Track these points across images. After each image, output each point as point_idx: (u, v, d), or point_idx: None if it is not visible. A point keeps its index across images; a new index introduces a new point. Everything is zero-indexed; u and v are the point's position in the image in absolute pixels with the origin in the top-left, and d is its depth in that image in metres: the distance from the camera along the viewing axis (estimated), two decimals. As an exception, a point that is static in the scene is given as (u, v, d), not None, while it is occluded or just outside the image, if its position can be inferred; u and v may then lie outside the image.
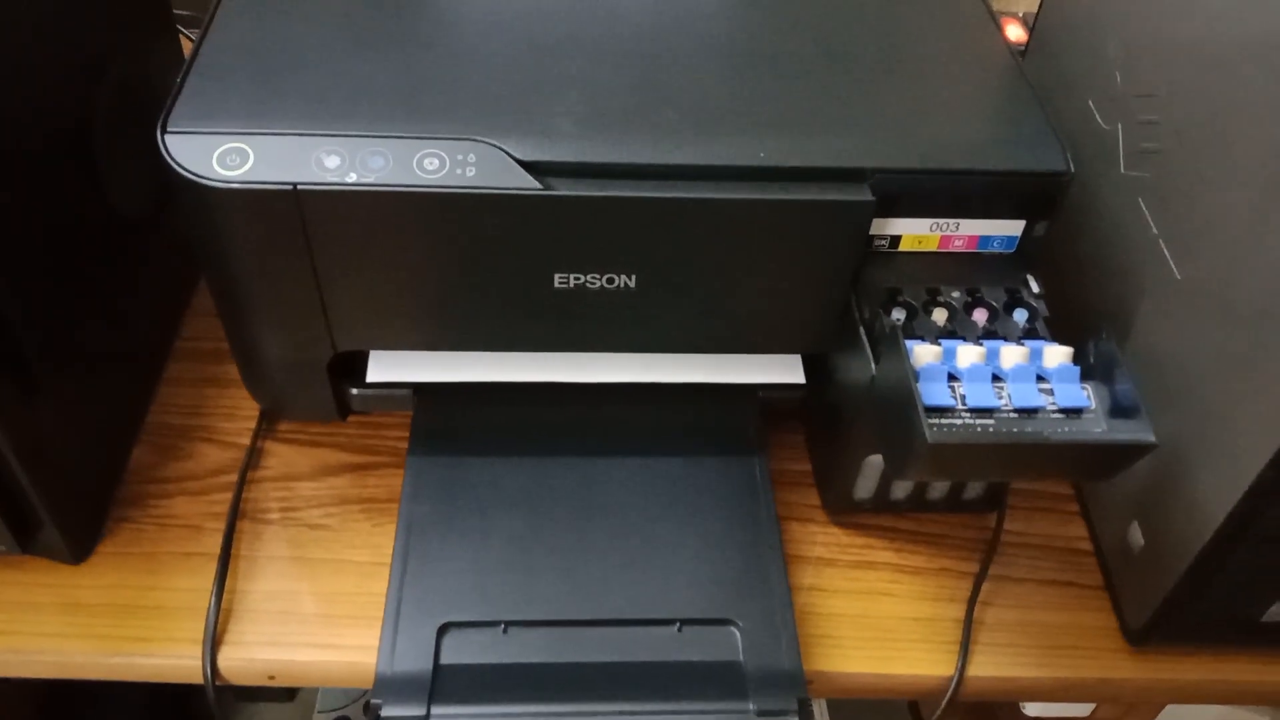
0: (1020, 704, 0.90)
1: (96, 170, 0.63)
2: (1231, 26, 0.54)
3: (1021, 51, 0.78)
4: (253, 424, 0.70)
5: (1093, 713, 0.83)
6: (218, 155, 0.53)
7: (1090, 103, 0.66)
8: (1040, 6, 0.76)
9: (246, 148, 0.54)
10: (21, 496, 0.58)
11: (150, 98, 0.67)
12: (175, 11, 0.76)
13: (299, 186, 0.53)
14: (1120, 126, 0.63)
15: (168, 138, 0.54)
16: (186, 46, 0.78)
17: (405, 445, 0.68)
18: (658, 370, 0.66)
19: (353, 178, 0.53)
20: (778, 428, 0.71)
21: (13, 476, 0.56)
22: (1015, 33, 0.90)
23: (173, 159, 0.53)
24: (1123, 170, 0.63)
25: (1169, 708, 0.80)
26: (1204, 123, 0.56)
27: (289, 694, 1.36)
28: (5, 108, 0.53)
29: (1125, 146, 0.63)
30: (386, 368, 0.66)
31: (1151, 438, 0.51)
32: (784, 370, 0.68)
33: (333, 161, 0.53)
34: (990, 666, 0.62)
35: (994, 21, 0.66)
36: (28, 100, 0.55)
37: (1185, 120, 0.57)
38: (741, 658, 0.59)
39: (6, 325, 0.54)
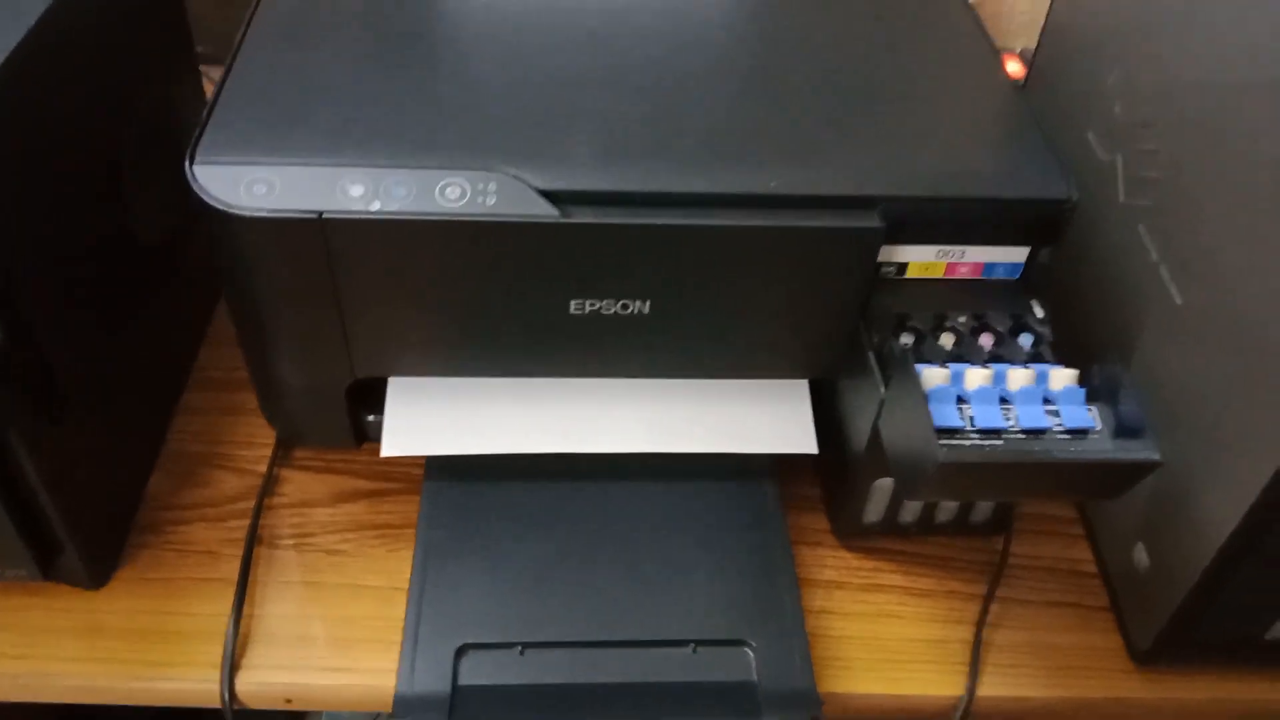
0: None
1: (122, 204, 0.64)
2: (1227, 57, 0.55)
3: (1020, 86, 0.80)
4: (269, 451, 0.71)
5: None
6: (245, 185, 0.55)
7: (1089, 135, 0.68)
8: (1039, 43, 0.78)
9: (273, 177, 0.55)
10: (44, 522, 0.58)
11: (174, 133, 0.69)
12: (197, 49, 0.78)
13: (324, 215, 0.54)
14: (1120, 156, 0.65)
15: (196, 168, 0.55)
16: (206, 84, 0.80)
17: (419, 472, 0.69)
18: (670, 439, 0.66)
19: (376, 206, 0.55)
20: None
21: (36, 502, 0.57)
22: (1014, 68, 0.92)
23: (201, 189, 0.55)
24: (1122, 199, 0.64)
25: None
26: (1202, 151, 0.57)
27: (293, 724, 1.35)
28: (40, 147, 0.55)
29: (1125, 175, 0.64)
30: (401, 440, 0.65)
31: (1157, 456, 0.52)
32: (795, 438, 0.67)
33: (356, 190, 0.55)
34: (999, 687, 0.63)
35: (995, 55, 0.68)
36: (60, 139, 0.57)
37: (1184, 149, 0.59)
38: (756, 678, 0.59)
39: (38, 355, 0.55)
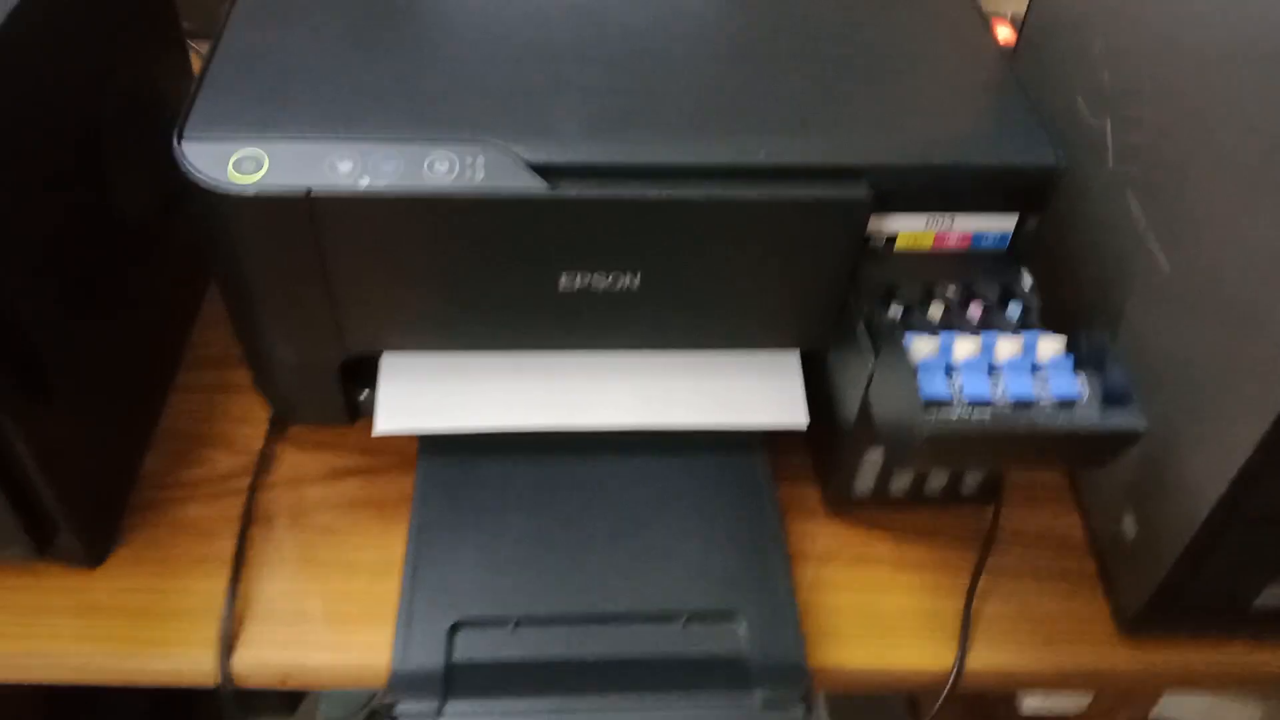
0: (1017, 699, 0.91)
1: (107, 181, 0.64)
2: (1212, 24, 0.56)
3: (1011, 51, 0.80)
4: (263, 429, 0.71)
5: (1089, 705, 0.84)
6: (233, 162, 0.55)
7: (1079, 100, 0.68)
8: (1029, 7, 0.78)
9: (261, 154, 0.55)
10: (38, 503, 0.59)
11: (159, 109, 0.69)
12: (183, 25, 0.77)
13: (313, 191, 0.54)
14: (1108, 123, 0.65)
15: (184, 145, 0.55)
16: (193, 60, 0.79)
17: (413, 448, 0.69)
18: (662, 413, 0.66)
19: (365, 182, 0.55)
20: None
21: (30, 483, 0.57)
22: (1004, 33, 0.92)
23: (189, 166, 0.55)
24: (1111, 165, 0.65)
25: (1164, 700, 0.81)
26: (1187, 118, 0.57)
27: (290, 707, 1.36)
28: (19, 122, 0.54)
29: (1113, 142, 0.64)
30: (394, 417, 0.66)
31: (1143, 425, 0.52)
32: (787, 411, 0.67)
33: (345, 166, 0.55)
34: (989, 657, 0.63)
35: (983, 21, 0.68)
36: (41, 114, 0.57)
37: (1170, 115, 0.59)
38: (746, 650, 0.60)
39: (23, 336, 0.55)
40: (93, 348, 0.63)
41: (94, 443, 0.63)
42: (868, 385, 0.59)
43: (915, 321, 0.59)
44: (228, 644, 0.61)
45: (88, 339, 0.62)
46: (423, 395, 0.66)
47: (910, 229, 0.61)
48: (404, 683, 0.58)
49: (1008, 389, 0.54)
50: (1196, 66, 0.57)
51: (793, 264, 0.60)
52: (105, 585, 0.63)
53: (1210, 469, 0.55)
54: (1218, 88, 0.55)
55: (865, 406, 0.59)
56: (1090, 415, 0.54)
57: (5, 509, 0.57)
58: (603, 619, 0.61)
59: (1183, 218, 0.58)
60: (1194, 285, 0.57)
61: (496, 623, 0.61)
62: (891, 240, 0.61)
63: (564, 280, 0.59)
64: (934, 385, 0.54)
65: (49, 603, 0.62)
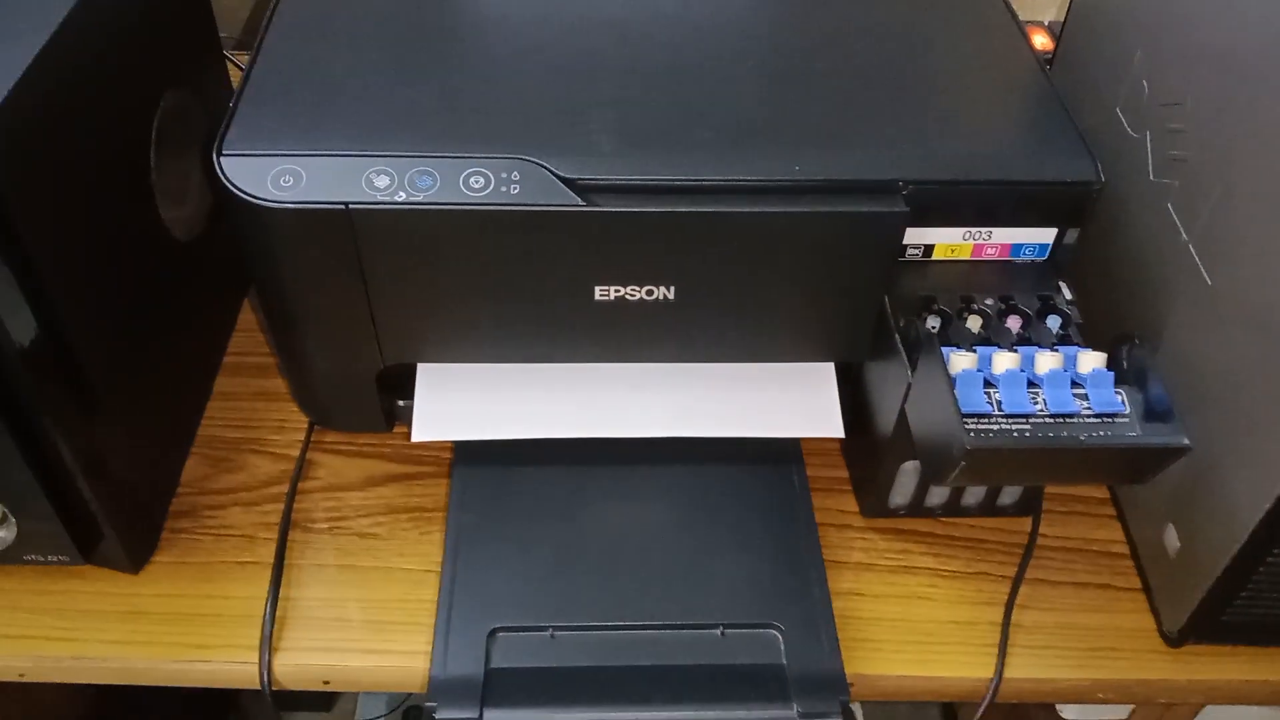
0: (1057, 708, 0.90)
1: (151, 194, 0.65)
2: (1256, 35, 0.55)
3: (1048, 59, 0.79)
4: (302, 436, 0.72)
5: (1130, 716, 0.84)
6: (271, 176, 0.55)
7: (1118, 111, 0.67)
8: (1066, 16, 0.77)
9: (299, 169, 0.55)
10: (84, 509, 0.60)
11: (201, 123, 0.70)
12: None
13: (350, 206, 0.55)
14: (1148, 134, 0.64)
15: (223, 160, 0.56)
16: (232, 70, 0.80)
17: (449, 456, 0.70)
18: (697, 423, 0.66)
19: (402, 197, 0.55)
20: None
21: (76, 490, 0.58)
22: (1041, 41, 0.91)
23: (229, 181, 0.55)
24: (1152, 178, 0.64)
25: (1206, 710, 0.80)
26: (1229, 130, 0.56)
27: (326, 705, 1.38)
28: (70, 140, 0.55)
29: (1154, 154, 0.64)
30: (431, 425, 0.66)
31: (1184, 440, 0.52)
32: (822, 422, 0.67)
33: (383, 181, 0.55)
34: (1028, 668, 0.63)
35: (1021, 33, 0.68)
36: (90, 132, 0.57)
37: (1211, 128, 0.58)
38: (784, 661, 0.60)
39: (71, 348, 0.56)
40: (137, 359, 0.64)
41: (137, 451, 0.64)
42: (904, 398, 0.58)
43: (953, 334, 0.58)
44: (270, 647, 0.62)
45: (132, 350, 0.63)
46: (460, 403, 0.66)
47: (948, 240, 0.60)
48: (444, 688, 0.58)
49: (1048, 403, 0.54)
50: (1240, 78, 0.56)
51: (828, 277, 0.60)
52: (149, 590, 0.64)
53: (1254, 486, 0.54)
54: (1262, 99, 0.54)
55: (902, 419, 0.59)
56: (1131, 430, 0.53)
57: (52, 516, 0.58)
58: (640, 628, 0.61)
59: (1226, 231, 0.57)
60: (1238, 299, 0.56)
61: (534, 630, 0.61)
62: (929, 250, 0.61)
63: (599, 293, 0.59)
64: (973, 399, 0.53)
65: (94, 606, 0.64)
